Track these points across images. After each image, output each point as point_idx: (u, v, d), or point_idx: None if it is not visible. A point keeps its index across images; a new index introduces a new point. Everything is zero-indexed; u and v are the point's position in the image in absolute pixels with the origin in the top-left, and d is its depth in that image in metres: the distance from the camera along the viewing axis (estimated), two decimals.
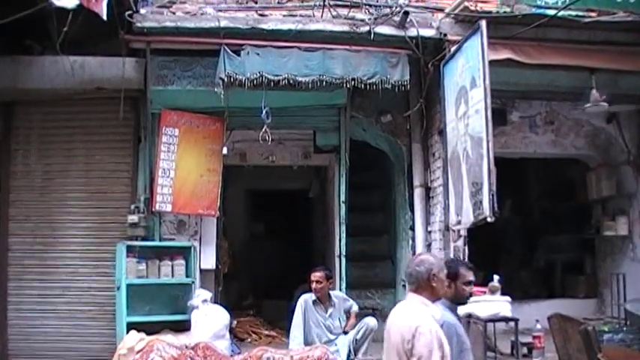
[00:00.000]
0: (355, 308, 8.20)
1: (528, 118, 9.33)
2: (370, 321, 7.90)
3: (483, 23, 6.98)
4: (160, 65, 8.63)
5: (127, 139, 9.06)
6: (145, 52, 8.50)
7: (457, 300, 4.70)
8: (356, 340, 7.83)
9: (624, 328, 8.08)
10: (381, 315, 8.85)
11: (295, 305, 8.13)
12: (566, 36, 8.01)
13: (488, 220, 6.87)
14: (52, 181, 9.06)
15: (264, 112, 8.11)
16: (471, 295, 4.78)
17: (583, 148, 9.73)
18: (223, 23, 8.10)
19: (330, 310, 7.98)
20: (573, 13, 7.63)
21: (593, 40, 8.03)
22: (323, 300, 8.00)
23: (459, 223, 7.79)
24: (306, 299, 8.05)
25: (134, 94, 8.77)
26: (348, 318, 8.09)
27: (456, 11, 8.04)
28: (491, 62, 6.96)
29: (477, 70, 7.03)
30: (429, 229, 9.04)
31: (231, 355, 7.75)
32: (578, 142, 9.64)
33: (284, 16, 8.50)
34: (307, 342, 7.80)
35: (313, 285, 7.93)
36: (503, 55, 7.57)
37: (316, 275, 7.95)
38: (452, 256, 8.11)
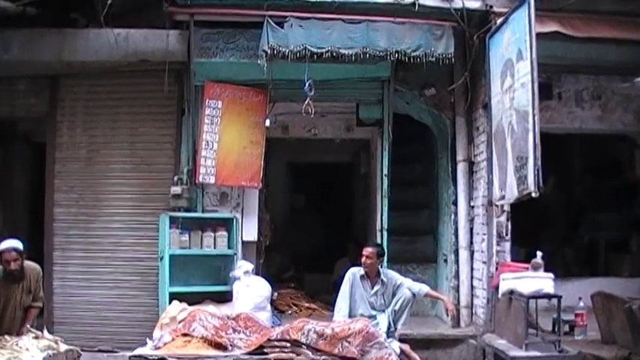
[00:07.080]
0: (416, 288, 7.90)
1: (575, 93, 9.14)
2: (407, 292, 7.85)
3: None
4: (203, 37, 8.66)
5: (170, 112, 9.12)
6: (189, 25, 8.51)
7: None
8: (394, 311, 7.81)
9: None
10: None
11: (339, 279, 8.13)
12: (616, 7, 7.83)
13: (533, 195, 6.80)
14: (97, 153, 9.17)
15: (307, 84, 8.08)
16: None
17: (631, 124, 9.46)
18: None
19: (376, 288, 7.90)
20: None
21: None
22: (371, 276, 7.95)
23: (502, 198, 7.72)
24: (354, 272, 8.02)
25: (178, 67, 8.81)
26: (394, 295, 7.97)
27: None
28: (538, 35, 6.85)
29: (524, 42, 6.93)
30: (472, 204, 8.97)
31: (272, 326, 7.80)
32: (626, 117, 9.39)
33: None
34: (352, 315, 7.80)
35: (363, 259, 7.87)
36: (551, 27, 7.43)
37: (367, 250, 7.90)
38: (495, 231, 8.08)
